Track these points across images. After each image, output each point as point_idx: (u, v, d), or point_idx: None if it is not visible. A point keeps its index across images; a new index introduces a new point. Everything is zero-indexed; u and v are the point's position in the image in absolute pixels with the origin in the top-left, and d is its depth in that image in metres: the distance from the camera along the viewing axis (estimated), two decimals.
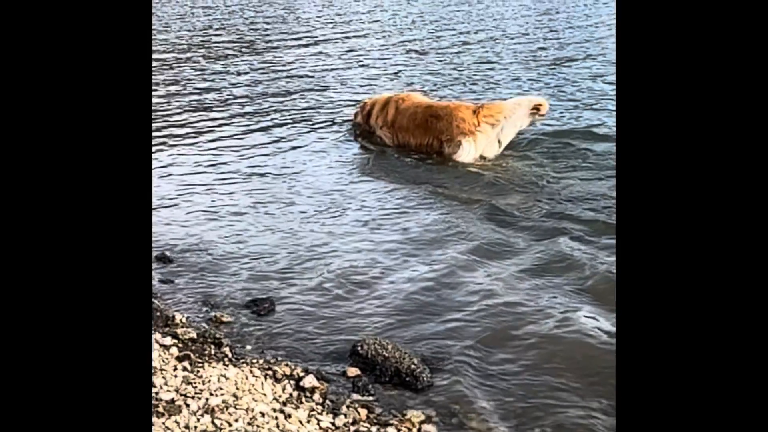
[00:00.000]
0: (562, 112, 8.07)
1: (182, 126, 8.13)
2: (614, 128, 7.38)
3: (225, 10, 19.00)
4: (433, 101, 7.32)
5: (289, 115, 8.55)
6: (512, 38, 13.63)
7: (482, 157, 6.54)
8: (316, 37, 14.52)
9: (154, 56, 12.48)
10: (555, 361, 3.43)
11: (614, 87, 9.15)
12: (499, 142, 6.57)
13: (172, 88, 10.06)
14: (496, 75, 10.33)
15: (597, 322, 3.74)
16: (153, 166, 6.58)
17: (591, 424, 3.00)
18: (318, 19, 17.03)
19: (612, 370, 3.30)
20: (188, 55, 12.80)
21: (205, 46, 13.77)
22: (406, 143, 6.89)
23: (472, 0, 20.53)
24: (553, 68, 10.68)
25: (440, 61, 11.71)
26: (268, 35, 14.85)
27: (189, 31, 15.62)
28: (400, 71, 10.96)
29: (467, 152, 6.44)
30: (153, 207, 5.61)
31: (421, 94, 7.63)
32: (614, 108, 8.22)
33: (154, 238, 4.94)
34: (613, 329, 3.65)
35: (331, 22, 16.54)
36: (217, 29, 15.78)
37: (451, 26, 15.52)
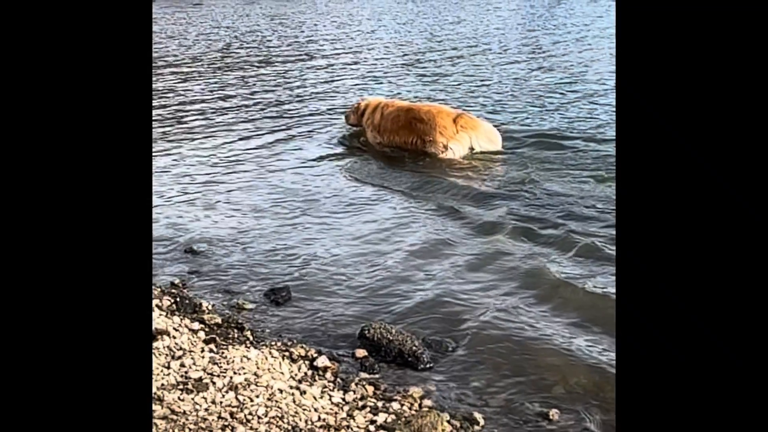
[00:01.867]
0: (542, 117, 8.08)
1: (203, 129, 8.13)
2: (586, 131, 7.45)
3: (244, 30, 18.98)
4: (414, 104, 7.47)
5: (297, 120, 8.59)
6: (499, 53, 13.62)
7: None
8: (324, 52, 14.51)
9: (181, 69, 12.50)
10: (539, 341, 3.44)
11: (590, 93, 9.18)
12: (472, 148, 6.79)
13: (196, 97, 10.06)
14: (482, 85, 10.31)
15: (558, 308, 3.77)
16: (175, 165, 6.60)
17: (575, 399, 3.01)
18: (326, 38, 17.02)
19: (592, 348, 3.35)
20: (210, 67, 12.80)
21: (225, 60, 13.76)
22: (391, 142, 7.08)
23: (466, 20, 20.51)
24: (535, 78, 10.66)
25: (434, 72, 11.72)
26: (281, 51, 14.84)
27: (211, 47, 15.60)
28: (399, 82, 10.95)
29: (451, 153, 6.69)
30: (178, 202, 5.63)
31: (402, 100, 7.84)
32: (588, 113, 8.24)
33: (182, 233, 4.96)
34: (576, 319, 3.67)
35: (338, 40, 16.52)
36: (236, 47, 15.76)
37: (445, 43, 15.50)
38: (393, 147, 7.05)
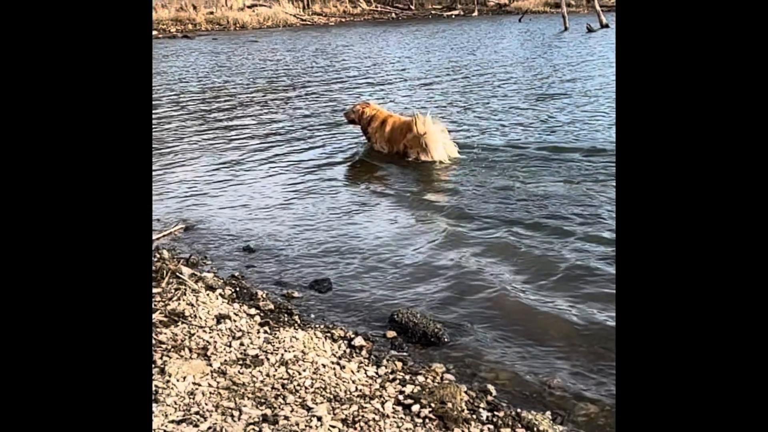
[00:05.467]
0: (534, 131, 8.01)
1: (252, 143, 8.17)
2: (573, 143, 7.40)
3: (290, 62, 19.11)
4: (410, 119, 7.56)
5: (331, 134, 8.60)
6: (501, 75, 13.53)
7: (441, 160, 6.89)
8: (354, 79, 14.53)
9: (237, 94, 12.60)
10: (541, 323, 3.43)
11: (580, 110, 9.08)
12: (447, 148, 6.95)
13: (248, 115, 10.13)
14: (484, 104, 10.26)
15: (546, 293, 3.73)
16: (231, 173, 6.67)
17: (575, 371, 2.99)
18: (357, 67, 17.05)
19: (589, 333, 3.32)
20: (261, 91, 12.88)
21: (272, 86, 13.85)
22: (398, 151, 7.21)
23: (478, 51, 20.43)
24: (528, 97, 10.59)
25: (444, 93, 11.69)
26: (319, 77, 14.90)
27: (262, 75, 15.73)
28: (415, 101, 10.92)
29: (433, 157, 6.86)
30: (237, 206, 5.67)
31: (400, 115, 7.93)
32: (578, 129, 8.13)
33: (240, 233, 5.01)
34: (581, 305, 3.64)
35: (367, 68, 16.55)
36: (282, 74, 15.87)
37: (457, 70, 15.45)
38: (398, 155, 7.19)
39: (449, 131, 7.23)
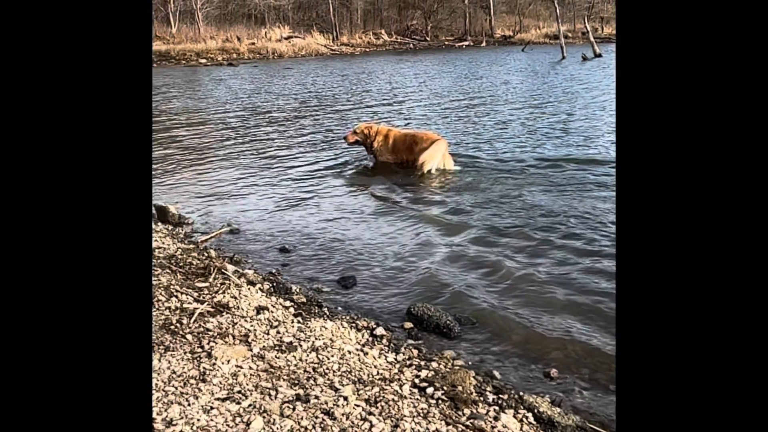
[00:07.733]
0: (526, 146, 7.95)
1: (283, 157, 8.21)
2: (563, 157, 7.32)
3: (320, 86, 19.19)
4: (414, 131, 7.56)
5: (349, 150, 8.53)
6: (504, 97, 13.48)
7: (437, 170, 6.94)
8: (376, 102, 14.57)
9: (270, 114, 12.68)
10: (541, 319, 3.40)
11: (571, 126, 9.00)
12: (445, 162, 6.97)
13: (279, 133, 10.18)
14: (485, 122, 10.21)
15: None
16: (267, 183, 6.69)
17: (571, 362, 2.96)
18: (378, 92, 17.08)
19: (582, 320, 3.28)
20: (291, 113, 12.95)
21: (303, 106, 13.92)
22: (403, 160, 7.20)
23: (484, 77, 20.37)
24: (524, 117, 10.52)
25: (450, 113, 11.63)
26: (343, 102, 14.95)
27: (293, 98, 15.82)
28: (426, 120, 10.91)
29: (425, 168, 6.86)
30: (272, 211, 5.68)
31: (404, 129, 7.99)
32: (573, 144, 8.06)
33: (276, 235, 5.02)
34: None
35: (387, 93, 16.57)
36: (311, 98, 15.95)
37: (463, 93, 15.42)
38: (403, 164, 7.16)
39: (451, 144, 7.24)
